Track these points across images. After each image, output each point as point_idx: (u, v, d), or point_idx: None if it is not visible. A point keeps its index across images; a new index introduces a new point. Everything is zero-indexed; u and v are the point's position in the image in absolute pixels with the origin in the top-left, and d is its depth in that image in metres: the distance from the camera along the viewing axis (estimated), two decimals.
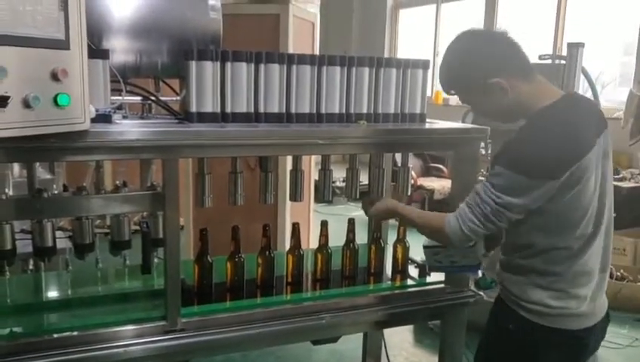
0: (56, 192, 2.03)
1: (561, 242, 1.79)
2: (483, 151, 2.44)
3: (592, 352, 1.93)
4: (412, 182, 2.51)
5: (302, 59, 2.16)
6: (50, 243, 2.02)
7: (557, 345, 1.83)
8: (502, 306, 1.94)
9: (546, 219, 1.76)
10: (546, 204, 1.73)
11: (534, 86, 1.84)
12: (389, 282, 2.57)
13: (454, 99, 4.82)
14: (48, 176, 3.34)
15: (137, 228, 2.12)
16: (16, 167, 3.22)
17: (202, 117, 2.02)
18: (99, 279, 2.41)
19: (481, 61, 1.83)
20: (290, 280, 2.44)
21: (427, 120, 2.44)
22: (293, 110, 2.16)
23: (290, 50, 3.81)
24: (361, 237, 2.62)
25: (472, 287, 2.46)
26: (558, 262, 1.80)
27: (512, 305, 1.89)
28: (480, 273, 2.29)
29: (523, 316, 1.84)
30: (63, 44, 1.54)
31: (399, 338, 3.97)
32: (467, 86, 1.89)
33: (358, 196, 2.39)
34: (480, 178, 2.34)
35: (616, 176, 5.51)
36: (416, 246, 2.33)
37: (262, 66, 2.09)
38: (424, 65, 2.36)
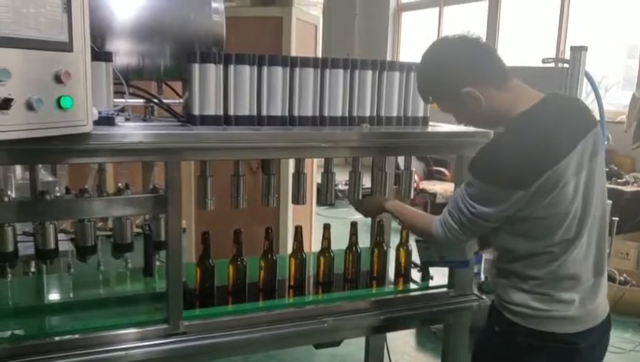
0: (58, 195, 2.03)
1: (540, 247, 1.78)
2: None
3: (589, 358, 1.90)
4: (414, 185, 2.51)
5: (305, 62, 2.16)
6: (52, 246, 2.01)
7: (544, 349, 1.81)
8: (492, 309, 1.96)
9: (523, 224, 1.77)
10: (521, 212, 1.73)
11: (510, 92, 1.82)
12: (392, 286, 2.57)
13: None
14: (51, 179, 3.35)
15: (139, 230, 2.11)
16: (18, 169, 3.23)
17: (205, 119, 2.02)
18: (101, 282, 2.40)
19: (452, 71, 1.82)
20: (292, 283, 2.43)
21: (430, 123, 2.44)
22: (296, 113, 2.16)
23: (293, 53, 3.81)
24: (364, 241, 2.62)
25: (476, 291, 2.46)
26: (538, 266, 1.79)
27: (499, 307, 1.90)
28: (483, 277, 2.32)
29: (508, 318, 1.84)
30: (67, 47, 1.54)
31: (402, 342, 3.96)
32: (442, 94, 1.89)
33: (361, 199, 2.38)
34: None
35: (619, 180, 5.51)
36: None
37: (265, 69, 2.08)
38: None
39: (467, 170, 1.84)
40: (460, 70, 1.80)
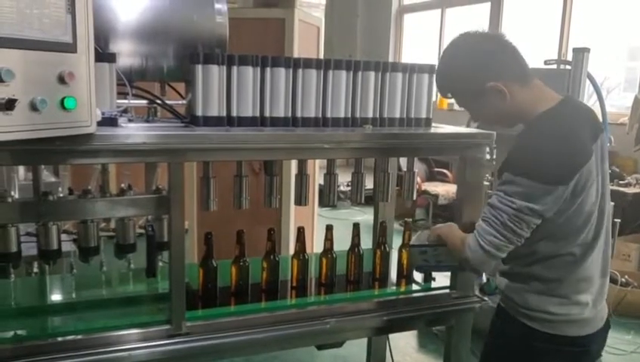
0: (61, 195, 2.03)
1: (564, 249, 1.77)
2: (488, 157, 2.44)
3: (593, 360, 1.91)
4: (417, 186, 2.51)
5: (308, 63, 2.16)
6: (55, 246, 2.02)
7: (559, 353, 1.81)
8: (503, 315, 1.93)
9: (551, 227, 1.74)
10: (554, 213, 1.71)
11: (532, 90, 1.82)
12: (394, 287, 2.56)
13: None
14: (53, 179, 3.35)
15: (142, 231, 2.11)
16: (21, 169, 3.24)
17: (208, 120, 2.02)
18: (103, 282, 2.41)
19: (479, 64, 1.80)
20: (294, 284, 2.43)
21: (433, 124, 2.44)
22: (298, 114, 2.16)
23: (295, 55, 3.82)
24: (366, 242, 2.62)
25: (478, 293, 2.46)
26: (559, 268, 1.79)
27: (513, 313, 1.87)
28: (485, 278, 2.29)
29: (524, 323, 1.83)
30: (70, 48, 1.54)
31: (403, 343, 3.96)
32: (464, 90, 1.87)
33: (363, 200, 2.38)
34: (485, 183, 2.33)
35: (621, 182, 5.50)
36: None
37: (268, 70, 2.09)
38: (430, 69, 2.36)
39: (501, 172, 1.76)
40: (486, 64, 1.79)
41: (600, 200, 1.80)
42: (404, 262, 2.59)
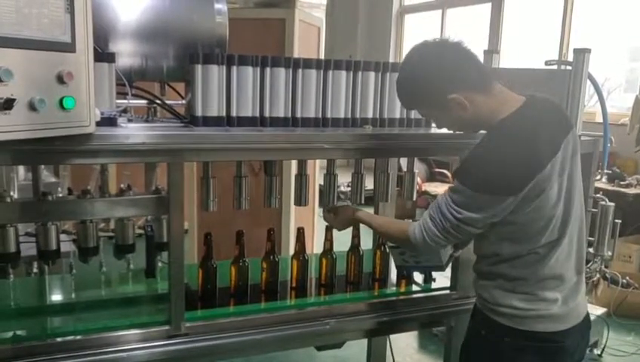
0: (61, 195, 2.03)
1: (526, 249, 1.79)
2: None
3: (573, 357, 1.91)
4: (417, 187, 2.51)
5: (308, 63, 2.15)
6: (54, 247, 2.02)
7: (530, 349, 1.82)
8: (475, 312, 1.96)
9: (509, 229, 1.77)
10: (507, 216, 1.73)
11: (493, 98, 1.81)
12: (394, 288, 2.56)
13: None
14: (53, 180, 3.35)
15: (141, 231, 2.11)
16: (21, 170, 3.23)
17: (208, 121, 2.02)
18: (102, 283, 2.41)
19: (438, 77, 1.79)
20: (294, 284, 2.43)
21: (433, 125, 2.43)
22: (298, 114, 2.16)
23: (296, 55, 3.81)
24: (366, 243, 2.61)
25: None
26: (524, 267, 1.80)
27: (483, 309, 1.90)
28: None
29: (494, 320, 1.85)
30: (69, 47, 1.54)
31: (404, 344, 3.95)
32: (426, 102, 1.87)
33: (363, 201, 2.38)
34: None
35: (622, 183, 5.49)
36: None
37: (267, 70, 2.08)
38: None
39: (454, 175, 1.81)
40: (446, 77, 1.78)
41: (565, 198, 1.79)
42: None
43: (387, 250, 2.57)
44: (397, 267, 2.34)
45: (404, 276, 2.58)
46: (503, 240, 1.80)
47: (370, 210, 2.91)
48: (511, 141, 1.72)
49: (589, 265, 2.74)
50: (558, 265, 1.81)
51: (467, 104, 1.77)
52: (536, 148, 1.71)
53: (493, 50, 2.72)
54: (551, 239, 1.79)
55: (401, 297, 2.48)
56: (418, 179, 2.54)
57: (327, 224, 2.36)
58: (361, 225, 2.27)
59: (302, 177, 2.25)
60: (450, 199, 1.77)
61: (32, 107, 1.46)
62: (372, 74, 2.26)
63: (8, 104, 1.40)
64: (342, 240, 2.54)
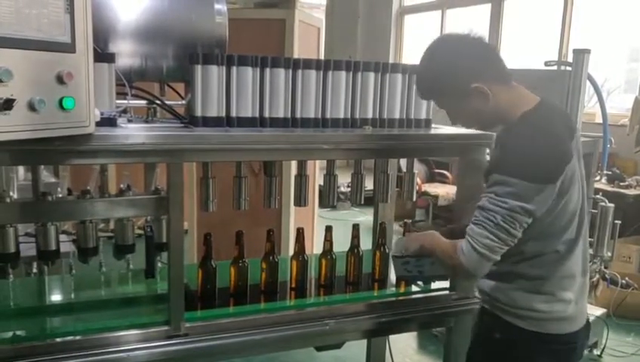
0: (60, 196, 2.03)
1: (550, 247, 1.79)
2: (488, 158, 2.44)
3: (579, 358, 1.92)
4: (417, 188, 2.51)
5: (307, 63, 2.15)
6: (54, 247, 2.01)
7: (546, 351, 1.82)
8: (487, 315, 1.93)
9: (539, 226, 1.75)
10: (543, 213, 1.71)
11: (513, 92, 1.82)
12: (394, 288, 2.56)
13: None
14: (53, 180, 3.34)
15: (141, 232, 2.11)
16: (21, 170, 3.23)
17: (207, 121, 2.02)
18: (102, 283, 2.40)
19: (463, 66, 1.79)
20: (294, 285, 2.43)
21: (432, 125, 2.43)
22: (298, 115, 2.16)
23: (296, 56, 3.81)
24: (366, 243, 2.61)
25: (477, 294, 2.45)
26: (544, 265, 1.80)
27: (498, 312, 1.87)
28: None
29: (510, 323, 1.83)
30: (69, 48, 1.54)
31: (403, 345, 3.95)
32: (447, 91, 1.85)
33: (362, 201, 2.38)
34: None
35: (621, 183, 5.50)
36: None
37: (267, 71, 2.08)
38: None
39: (488, 174, 1.75)
40: (470, 65, 1.78)
41: (581, 197, 1.82)
42: None
43: (387, 250, 2.57)
44: (398, 278, 2.29)
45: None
46: (529, 239, 1.76)
47: (370, 211, 2.91)
48: (540, 131, 1.72)
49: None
50: (574, 264, 1.82)
51: (490, 94, 1.77)
52: (563, 140, 1.74)
53: None
54: (570, 237, 1.80)
55: (401, 298, 2.48)
56: (418, 180, 2.55)
57: (326, 225, 2.35)
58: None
59: (301, 178, 2.25)
60: (492, 193, 1.70)
61: (31, 107, 1.46)
62: (372, 74, 2.26)
63: (8, 104, 1.40)
64: (341, 241, 2.55)
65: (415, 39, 10.31)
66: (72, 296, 2.35)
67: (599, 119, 2.79)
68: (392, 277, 2.59)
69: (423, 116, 2.40)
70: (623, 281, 4.55)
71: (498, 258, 1.74)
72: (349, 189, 2.39)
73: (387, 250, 2.58)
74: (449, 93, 1.85)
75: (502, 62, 1.83)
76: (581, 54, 2.49)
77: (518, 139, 1.74)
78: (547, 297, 1.80)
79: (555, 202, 1.71)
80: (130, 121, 2.03)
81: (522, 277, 1.82)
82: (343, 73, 2.21)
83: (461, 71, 1.78)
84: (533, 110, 1.78)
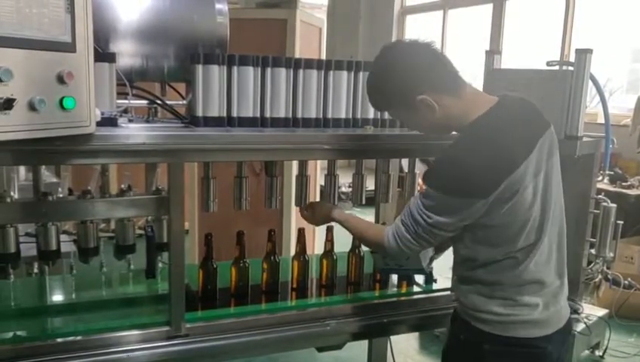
0: (61, 196, 2.02)
1: (502, 253, 1.75)
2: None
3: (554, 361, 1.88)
4: (418, 187, 2.50)
5: (309, 63, 2.15)
6: (54, 247, 2.01)
7: (511, 355, 1.79)
8: (455, 317, 1.93)
9: (484, 232, 1.74)
10: (481, 219, 1.70)
11: (463, 100, 1.78)
12: (395, 289, 2.55)
13: None
14: (54, 180, 3.35)
15: (142, 232, 2.11)
16: (22, 170, 3.23)
17: (208, 121, 2.02)
18: (103, 283, 2.40)
19: (408, 78, 1.77)
20: (295, 285, 2.43)
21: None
22: (299, 115, 2.15)
23: (297, 56, 3.81)
24: None
25: None
26: (500, 271, 1.77)
27: (463, 315, 1.87)
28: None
29: (474, 325, 1.82)
30: (70, 47, 1.53)
31: (405, 345, 3.94)
32: (394, 103, 1.85)
33: (364, 202, 2.37)
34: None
35: (623, 184, 5.48)
36: None
37: (268, 70, 2.08)
38: None
39: (424, 180, 1.79)
40: (415, 77, 1.76)
41: (542, 201, 1.76)
42: None
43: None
44: (380, 270, 2.35)
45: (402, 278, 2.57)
46: (478, 244, 1.77)
47: (371, 211, 2.91)
48: (481, 143, 1.70)
49: (590, 266, 2.74)
50: (538, 269, 1.78)
51: (436, 106, 1.75)
52: (507, 149, 1.69)
53: (494, 50, 2.72)
54: (528, 243, 1.75)
55: (402, 298, 2.48)
56: (419, 180, 2.54)
57: (327, 225, 2.35)
58: None
59: (303, 178, 2.24)
60: (421, 203, 1.76)
61: (32, 107, 1.45)
62: None
63: (8, 104, 1.40)
64: (343, 241, 2.54)
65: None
66: (73, 296, 2.35)
67: (601, 119, 2.78)
68: (394, 277, 2.59)
69: None
70: (626, 282, 4.53)
71: (421, 250, 1.93)
72: (351, 189, 2.39)
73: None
74: (395, 105, 1.86)
75: (451, 68, 1.80)
76: (583, 54, 2.47)
77: (455, 151, 1.75)
78: (506, 302, 1.77)
79: (495, 210, 1.68)
80: (131, 120, 2.03)
81: (479, 282, 1.81)
82: (345, 73, 2.21)
83: (406, 83, 1.77)
84: (482, 117, 1.74)
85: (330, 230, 2.45)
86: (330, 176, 2.30)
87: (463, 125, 1.77)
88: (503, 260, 1.76)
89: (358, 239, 2.18)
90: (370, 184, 2.36)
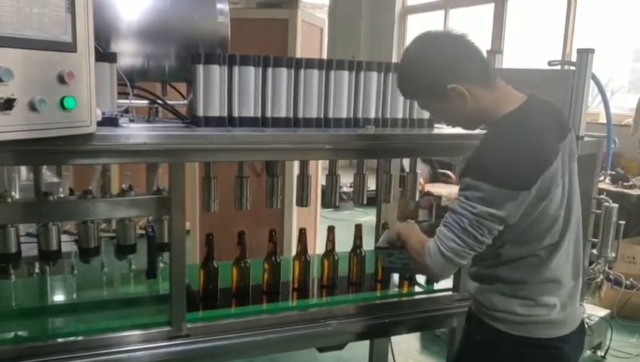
0: (62, 196, 2.02)
1: (528, 251, 1.75)
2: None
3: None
4: (420, 188, 2.50)
5: (310, 63, 2.14)
6: (55, 247, 2.01)
7: (529, 355, 1.78)
8: (471, 317, 1.91)
9: (515, 231, 1.71)
10: (518, 218, 1.67)
11: (495, 92, 1.78)
12: (396, 289, 2.55)
13: None
14: (55, 180, 3.34)
15: (143, 232, 2.11)
16: (23, 170, 3.23)
17: (209, 121, 2.01)
18: (104, 283, 2.40)
19: (440, 66, 1.74)
20: (296, 286, 2.42)
21: (435, 125, 2.42)
22: (300, 115, 2.15)
23: (299, 56, 3.81)
24: (369, 243, 2.60)
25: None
26: (524, 269, 1.76)
27: (480, 315, 1.85)
28: None
29: (491, 325, 1.80)
30: (70, 47, 1.53)
31: (406, 345, 3.94)
32: (425, 92, 1.82)
33: (365, 202, 2.37)
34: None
35: (625, 184, 5.48)
36: None
37: (269, 70, 2.07)
38: None
39: (462, 176, 1.72)
40: (447, 66, 1.74)
41: (567, 201, 1.77)
42: None
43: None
44: (386, 269, 2.29)
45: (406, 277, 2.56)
46: (505, 242, 1.75)
47: (373, 211, 2.91)
48: (519, 135, 1.68)
49: (592, 266, 2.73)
50: (558, 269, 1.78)
51: (467, 95, 1.73)
52: (543, 145, 1.68)
53: (496, 50, 2.72)
54: (552, 242, 1.76)
55: (404, 298, 2.48)
56: (421, 180, 2.54)
57: (329, 225, 2.34)
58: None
59: (304, 178, 2.24)
60: (462, 197, 1.67)
61: (32, 107, 1.45)
62: (374, 74, 2.25)
63: (9, 104, 1.40)
64: (344, 241, 2.54)
65: None
66: (74, 296, 2.35)
67: (603, 119, 2.78)
68: (395, 277, 2.59)
69: (427, 116, 2.38)
70: (627, 282, 4.52)
71: (464, 262, 1.72)
72: (352, 189, 2.39)
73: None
74: (426, 94, 1.82)
75: (483, 60, 1.79)
76: (585, 54, 2.47)
77: (494, 143, 1.72)
78: (526, 301, 1.77)
79: (531, 208, 1.67)
80: (131, 120, 2.02)
81: (501, 280, 1.79)
82: (346, 73, 2.20)
83: (437, 71, 1.74)
84: (515, 111, 1.73)
85: (331, 230, 2.44)
86: (332, 176, 2.29)
87: (495, 119, 1.75)
88: (527, 258, 1.75)
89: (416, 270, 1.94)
90: (371, 184, 2.35)
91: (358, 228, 2.51)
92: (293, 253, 2.48)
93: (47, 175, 2.92)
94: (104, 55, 1.90)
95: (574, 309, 1.86)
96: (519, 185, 1.64)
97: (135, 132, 1.83)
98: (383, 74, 2.27)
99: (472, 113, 1.78)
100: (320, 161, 3.98)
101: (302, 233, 2.43)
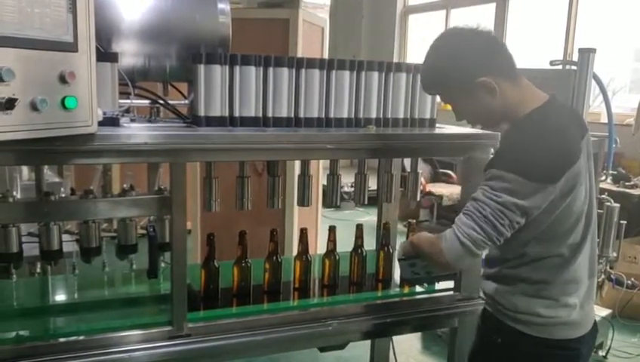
0: (63, 195, 2.02)
1: (553, 250, 1.75)
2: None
3: None
4: (421, 187, 2.50)
5: (311, 63, 2.14)
6: (56, 247, 2.01)
7: (550, 356, 1.78)
8: (489, 319, 1.90)
9: (540, 227, 1.71)
10: (542, 214, 1.67)
11: (521, 89, 1.79)
12: (397, 289, 2.55)
13: None
14: (57, 180, 3.34)
15: (144, 232, 2.11)
16: (25, 169, 3.23)
17: (210, 121, 2.01)
18: (105, 283, 2.40)
19: (469, 59, 1.75)
20: (297, 285, 2.42)
21: (437, 125, 2.42)
22: (301, 114, 2.15)
23: (299, 55, 3.81)
24: (370, 243, 2.60)
25: (482, 294, 2.43)
26: (547, 269, 1.76)
27: (499, 316, 1.84)
28: None
29: (512, 327, 1.80)
30: (71, 47, 1.53)
31: (407, 345, 3.94)
32: (452, 85, 1.80)
33: (366, 201, 2.37)
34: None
35: (627, 183, 5.47)
36: None
37: (271, 70, 2.08)
38: None
39: (488, 168, 1.71)
40: (476, 59, 1.74)
41: (589, 200, 1.78)
42: None
43: (391, 250, 2.56)
44: (406, 280, 2.23)
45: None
46: (530, 240, 1.73)
47: (374, 211, 2.91)
48: (547, 130, 1.69)
49: None
50: (578, 268, 1.78)
51: (497, 88, 1.73)
52: (570, 141, 1.70)
53: None
54: (575, 241, 1.76)
55: (405, 298, 2.47)
56: (422, 180, 2.53)
57: (330, 225, 2.34)
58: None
59: (305, 178, 2.24)
60: (487, 186, 1.66)
61: (33, 107, 1.45)
62: (375, 74, 2.25)
63: (10, 104, 1.40)
64: (345, 241, 2.54)
65: (419, 39, 10.29)
66: (75, 296, 2.35)
67: (604, 119, 2.78)
68: (396, 277, 2.59)
69: (428, 116, 2.38)
70: (629, 282, 4.52)
71: (479, 253, 1.71)
72: (353, 189, 2.39)
73: (391, 250, 2.57)
74: (454, 87, 1.81)
75: (510, 57, 1.79)
76: (586, 53, 2.47)
77: (522, 136, 1.71)
78: (549, 302, 1.76)
79: (557, 203, 1.67)
80: (133, 120, 2.02)
81: (524, 281, 1.78)
82: (347, 72, 2.20)
83: (467, 64, 1.74)
84: (542, 107, 1.74)
85: (332, 230, 2.44)
86: (333, 175, 2.29)
87: (519, 115, 1.75)
88: (550, 258, 1.75)
89: (427, 259, 1.87)
90: (372, 184, 2.35)
91: (359, 227, 2.51)
92: (294, 252, 2.48)
93: (49, 175, 2.92)
94: (105, 55, 1.90)
95: (591, 308, 1.87)
96: (546, 179, 1.63)
97: (136, 132, 1.83)
98: (384, 74, 2.27)
99: (497, 108, 1.77)
100: (321, 161, 3.97)
101: (303, 233, 2.43)
